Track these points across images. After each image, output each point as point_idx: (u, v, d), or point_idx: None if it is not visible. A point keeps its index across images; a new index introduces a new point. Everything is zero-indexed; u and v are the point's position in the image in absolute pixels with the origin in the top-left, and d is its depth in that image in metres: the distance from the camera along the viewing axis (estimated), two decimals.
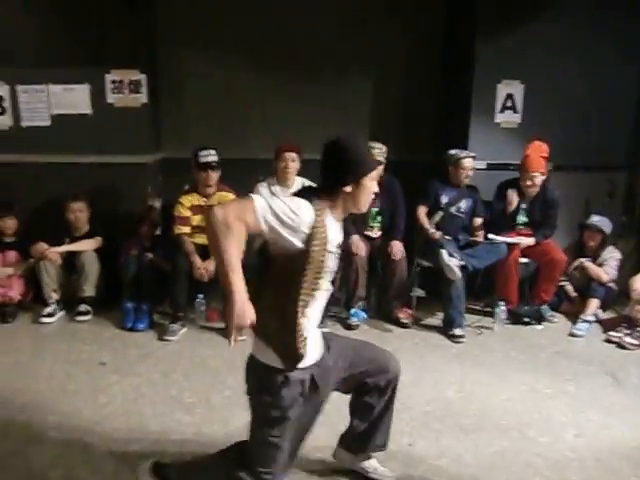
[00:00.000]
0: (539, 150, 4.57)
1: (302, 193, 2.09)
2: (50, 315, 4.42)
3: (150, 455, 2.66)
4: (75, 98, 4.87)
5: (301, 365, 2.03)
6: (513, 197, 4.64)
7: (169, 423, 3.03)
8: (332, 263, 2.07)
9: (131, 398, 3.28)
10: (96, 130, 4.88)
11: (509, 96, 4.99)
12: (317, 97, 5.34)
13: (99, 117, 4.90)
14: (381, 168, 4.48)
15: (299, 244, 1.93)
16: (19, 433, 2.90)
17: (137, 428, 2.96)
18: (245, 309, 1.87)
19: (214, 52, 5.22)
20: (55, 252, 4.49)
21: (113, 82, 4.87)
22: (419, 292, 4.66)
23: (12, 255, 4.63)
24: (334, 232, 2.05)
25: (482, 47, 4.89)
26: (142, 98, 4.90)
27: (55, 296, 4.49)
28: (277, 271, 2.01)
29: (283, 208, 1.91)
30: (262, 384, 2.06)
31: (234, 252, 1.85)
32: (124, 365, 3.71)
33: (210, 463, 2.30)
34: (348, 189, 2.05)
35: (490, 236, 4.57)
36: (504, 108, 5.01)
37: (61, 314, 4.52)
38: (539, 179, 4.54)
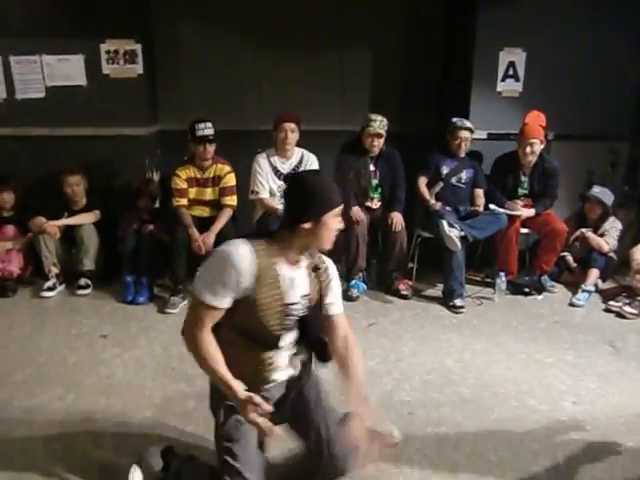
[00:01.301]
0: (537, 119, 4.58)
1: (246, 235, 2.01)
2: (50, 289, 4.42)
3: (152, 426, 2.69)
4: (70, 69, 4.79)
5: None
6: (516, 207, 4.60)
7: (171, 394, 3.05)
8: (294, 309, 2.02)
9: (132, 370, 3.30)
10: (92, 102, 4.82)
11: (511, 64, 4.91)
12: (316, 68, 5.27)
13: (94, 89, 4.83)
14: (381, 140, 4.47)
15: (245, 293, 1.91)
16: (21, 405, 2.92)
17: (139, 400, 2.98)
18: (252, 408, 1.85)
19: (212, 21, 5.13)
20: (54, 225, 4.47)
21: (108, 52, 4.78)
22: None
23: (10, 229, 4.60)
24: (289, 279, 1.98)
25: (484, 14, 4.81)
26: (138, 69, 4.83)
27: (55, 270, 4.48)
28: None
29: (224, 281, 1.88)
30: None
31: (221, 366, 1.89)
32: (125, 338, 3.72)
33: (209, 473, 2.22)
34: (307, 226, 1.91)
35: (491, 207, 4.54)
36: (506, 76, 4.94)
37: (61, 288, 4.52)
38: (537, 147, 4.51)
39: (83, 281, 4.47)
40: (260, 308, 1.94)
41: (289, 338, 2.08)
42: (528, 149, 4.50)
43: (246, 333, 2.00)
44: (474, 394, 3.10)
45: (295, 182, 2.00)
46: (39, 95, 4.83)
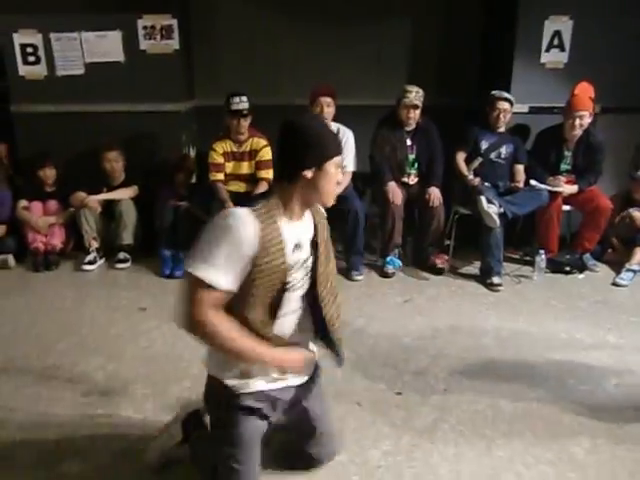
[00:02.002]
0: (587, 91, 4.37)
1: (240, 204, 1.85)
2: (91, 263, 4.51)
3: (190, 395, 2.72)
4: (108, 45, 4.80)
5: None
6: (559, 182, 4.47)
7: None
8: (295, 278, 1.85)
9: (170, 342, 3.35)
10: (129, 78, 4.84)
11: (556, 33, 4.68)
12: (353, 41, 5.18)
13: (132, 64, 4.84)
14: (417, 112, 4.38)
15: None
16: (64, 376, 3.00)
17: (177, 371, 3.03)
18: (290, 359, 1.85)
19: None
20: (94, 200, 4.55)
21: (145, 28, 4.78)
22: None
23: (53, 204, 4.70)
24: (293, 238, 1.81)
25: None
26: (174, 44, 4.82)
27: (95, 244, 4.57)
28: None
29: (227, 253, 1.69)
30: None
31: (246, 343, 1.76)
32: (163, 311, 3.75)
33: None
34: (309, 174, 1.76)
35: (532, 182, 4.42)
36: (550, 46, 4.72)
37: (101, 262, 4.61)
38: (586, 120, 4.35)
39: (122, 255, 4.55)
40: (261, 274, 1.75)
41: (292, 307, 1.90)
42: (577, 122, 4.34)
43: (242, 310, 1.81)
44: (512, 373, 3.05)
45: (293, 127, 1.78)
46: (78, 72, 4.86)
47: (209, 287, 1.69)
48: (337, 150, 1.83)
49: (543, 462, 2.37)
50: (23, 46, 4.80)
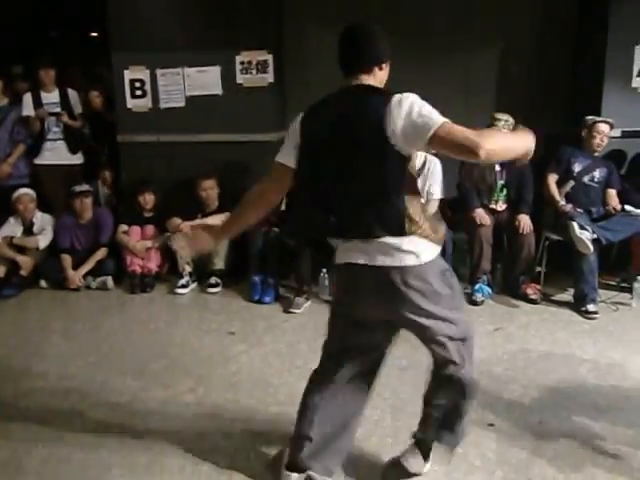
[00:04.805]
0: None
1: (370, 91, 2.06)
2: (184, 286, 4.68)
3: (277, 422, 2.72)
4: (207, 79, 5.08)
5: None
6: None
7: (295, 392, 3.06)
8: None
9: (258, 367, 3.39)
10: (226, 110, 5.05)
11: None
12: (443, 67, 5.19)
13: (229, 97, 5.06)
14: None
15: None
16: (157, 397, 3.06)
17: (265, 396, 3.05)
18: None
19: (338, 29, 5.20)
20: (189, 227, 4.73)
21: (242, 63, 5.02)
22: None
23: (150, 229, 4.94)
24: None
25: (618, 6, 4.56)
26: (269, 77, 5.03)
27: (188, 268, 4.74)
28: None
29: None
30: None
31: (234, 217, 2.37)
32: (251, 335, 3.85)
33: None
34: (385, 66, 2.09)
35: (627, 208, 4.27)
36: None
37: (194, 285, 4.76)
38: None
39: (213, 279, 4.70)
40: None
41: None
42: None
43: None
44: (611, 405, 2.91)
45: (366, 28, 2.08)
46: (180, 104, 5.16)
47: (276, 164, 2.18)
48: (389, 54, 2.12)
49: None
50: (132, 81, 5.15)
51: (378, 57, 2.06)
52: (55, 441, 2.68)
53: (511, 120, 4.28)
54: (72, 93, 5.36)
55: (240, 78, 5.04)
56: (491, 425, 2.74)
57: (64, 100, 5.26)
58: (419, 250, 1.98)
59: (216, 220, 4.72)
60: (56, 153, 5.26)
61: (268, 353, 3.58)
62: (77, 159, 5.38)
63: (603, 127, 4.34)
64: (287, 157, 2.11)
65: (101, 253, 4.86)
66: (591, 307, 4.02)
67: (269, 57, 4.99)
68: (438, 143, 1.89)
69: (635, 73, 4.68)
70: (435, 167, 4.35)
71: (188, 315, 4.24)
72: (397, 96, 1.93)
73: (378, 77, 2.07)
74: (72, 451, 2.61)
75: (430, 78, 5.17)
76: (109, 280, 4.78)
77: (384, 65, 2.09)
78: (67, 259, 4.79)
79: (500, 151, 1.92)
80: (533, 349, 3.55)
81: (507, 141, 2.06)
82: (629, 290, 4.24)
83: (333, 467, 2.27)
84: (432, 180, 4.16)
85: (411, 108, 1.90)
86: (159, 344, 3.73)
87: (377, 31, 2.07)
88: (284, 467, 2.30)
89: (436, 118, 1.88)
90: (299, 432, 2.26)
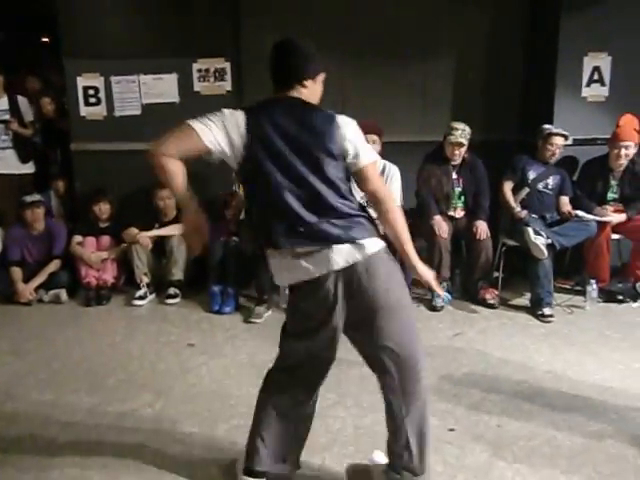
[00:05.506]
0: (632, 122, 4.44)
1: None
2: (141, 298, 4.59)
3: (239, 435, 2.63)
4: (164, 87, 5.04)
5: None
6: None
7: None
8: None
9: (218, 379, 3.34)
10: (183, 118, 4.96)
11: (595, 69, 4.81)
12: (398, 80, 5.27)
13: (186, 105, 5.03)
14: (463, 149, 4.41)
15: None
16: (113, 412, 2.98)
17: (225, 408, 3.00)
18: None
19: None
20: (146, 237, 4.67)
21: (199, 71, 5.00)
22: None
23: (106, 240, 4.83)
24: None
25: (567, 18, 4.71)
26: (227, 85, 5.02)
27: (146, 279, 4.66)
28: None
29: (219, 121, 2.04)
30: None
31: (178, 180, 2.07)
32: (211, 347, 3.79)
33: None
34: (321, 78, 2.09)
35: (579, 213, 4.39)
36: (590, 81, 4.84)
37: (152, 297, 4.68)
38: (632, 150, 4.39)
39: (172, 290, 4.62)
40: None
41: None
42: (623, 152, 4.39)
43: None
44: (568, 406, 2.96)
45: (293, 44, 2.08)
46: (135, 112, 5.10)
47: (189, 128, 2.09)
48: (325, 65, 2.11)
49: None
50: (85, 88, 5.06)
51: (316, 69, 2.09)
52: (1, 465, 2.55)
53: (468, 129, 4.36)
54: (22, 100, 5.23)
55: (198, 86, 5.03)
56: (451, 430, 2.76)
57: (13, 107, 5.13)
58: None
59: (174, 230, 4.69)
60: (5, 162, 5.13)
61: (228, 364, 3.53)
62: (28, 168, 5.26)
63: (557, 140, 4.46)
64: (210, 136, 1.98)
65: (54, 265, 4.73)
66: (547, 311, 4.10)
67: (227, 65, 4.99)
68: (361, 177, 2.06)
69: (584, 83, 4.84)
70: (395, 175, 4.38)
71: (146, 327, 4.15)
72: (342, 116, 2.03)
73: (312, 90, 2.08)
74: (20, 473, 2.49)
75: (388, 88, 5.26)
76: (62, 293, 4.65)
77: (318, 78, 2.11)
78: (17, 272, 4.66)
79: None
80: (492, 353, 3.60)
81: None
82: (583, 293, 4.35)
83: (289, 471, 2.29)
84: (391, 188, 4.18)
85: (357, 133, 2.02)
86: (115, 358, 3.64)
87: (310, 45, 2.10)
88: (241, 472, 2.29)
89: (370, 155, 2.04)
90: (254, 437, 2.27)
